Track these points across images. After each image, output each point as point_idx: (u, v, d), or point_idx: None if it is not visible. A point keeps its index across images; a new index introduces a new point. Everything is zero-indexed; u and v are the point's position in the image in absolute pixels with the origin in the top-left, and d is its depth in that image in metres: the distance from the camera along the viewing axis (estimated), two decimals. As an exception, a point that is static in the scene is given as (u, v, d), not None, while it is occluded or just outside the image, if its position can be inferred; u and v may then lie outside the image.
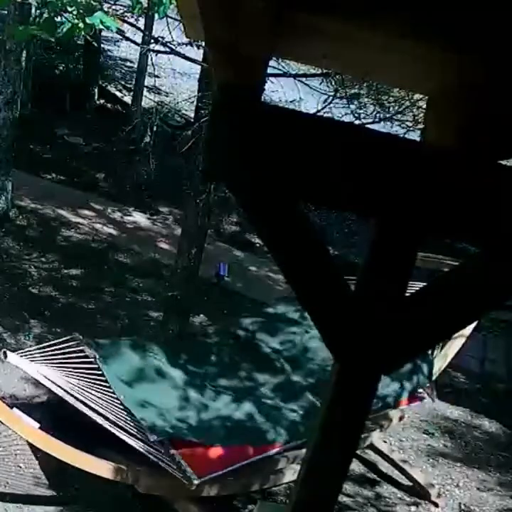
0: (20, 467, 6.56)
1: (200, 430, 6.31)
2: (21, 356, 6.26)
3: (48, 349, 6.38)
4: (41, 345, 6.53)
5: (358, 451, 7.52)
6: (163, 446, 5.93)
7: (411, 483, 7.52)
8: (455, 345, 7.69)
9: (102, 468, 5.97)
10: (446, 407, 8.82)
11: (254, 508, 6.41)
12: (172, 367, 6.82)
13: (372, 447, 7.73)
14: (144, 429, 6.00)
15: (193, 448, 6.08)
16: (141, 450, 5.87)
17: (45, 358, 6.31)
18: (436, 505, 7.40)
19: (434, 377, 7.54)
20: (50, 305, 9.41)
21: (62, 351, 6.34)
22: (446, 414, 8.89)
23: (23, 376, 7.43)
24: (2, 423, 6.03)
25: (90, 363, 6.36)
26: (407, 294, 2.11)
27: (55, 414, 7.14)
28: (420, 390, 7.54)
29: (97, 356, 6.37)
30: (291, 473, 6.64)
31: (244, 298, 10.90)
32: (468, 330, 7.27)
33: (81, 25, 5.94)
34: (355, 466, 7.58)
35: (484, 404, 9.38)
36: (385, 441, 7.90)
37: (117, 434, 5.89)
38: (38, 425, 6.21)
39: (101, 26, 6.02)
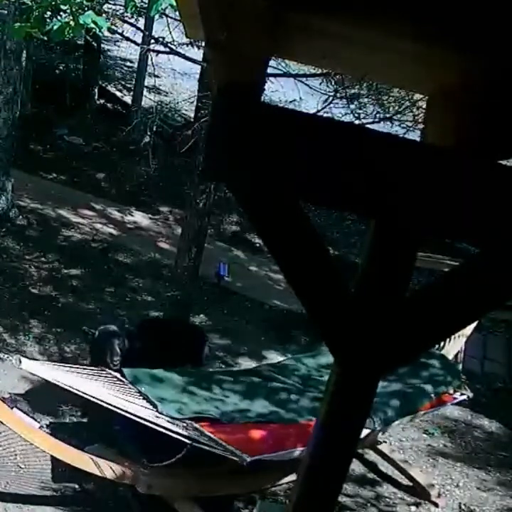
0: (20, 467, 6.56)
1: (227, 414, 6.37)
2: (41, 365, 6.27)
3: (65, 365, 6.42)
4: (60, 364, 6.57)
5: (358, 451, 7.52)
6: (205, 435, 5.90)
7: (411, 483, 7.52)
8: (455, 345, 7.69)
9: (102, 468, 5.96)
10: (446, 406, 8.80)
11: (254, 508, 6.40)
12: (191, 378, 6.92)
13: (372, 447, 7.74)
14: (175, 419, 6.03)
15: (236, 438, 6.04)
16: (180, 436, 5.78)
17: (61, 367, 6.32)
18: (436, 505, 7.39)
19: (461, 377, 7.55)
20: (50, 305, 9.41)
21: (80, 368, 6.38)
22: (446, 414, 8.89)
23: (23, 376, 7.43)
24: (2, 423, 6.03)
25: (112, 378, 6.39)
26: (408, 294, 2.11)
27: (55, 414, 7.15)
28: (451, 391, 7.52)
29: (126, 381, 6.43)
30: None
31: (244, 298, 10.90)
32: (468, 330, 7.27)
33: (72, 23, 5.94)
34: (355, 466, 7.58)
35: (484, 405, 9.37)
36: (385, 441, 7.90)
37: (151, 425, 5.84)
38: (38, 425, 6.21)
39: (93, 26, 6.01)
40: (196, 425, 6.03)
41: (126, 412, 5.82)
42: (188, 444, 5.68)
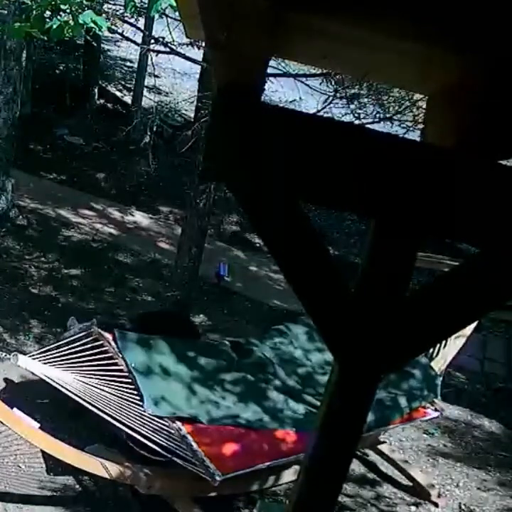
0: (20, 467, 6.56)
1: (213, 415, 6.36)
2: (34, 359, 6.25)
3: (60, 349, 6.37)
4: (54, 345, 6.53)
5: (358, 451, 7.52)
6: (184, 443, 5.91)
7: (411, 483, 7.52)
8: (455, 345, 7.69)
9: (102, 468, 5.96)
10: (446, 406, 8.81)
11: (254, 508, 6.41)
12: (183, 364, 6.85)
13: (372, 447, 7.74)
14: (160, 418, 6.02)
15: (215, 446, 6.06)
16: (159, 449, 5.82)
17: (57, 358, 6.30)
18: (436, 505, 7.39)
19: (439, 392, 7.53)
20: (50, 305, 9.41)
21: (76, 349, 6.33)
22: (446, 414, 8.88)
23: (23, 376, 7.43)
24: (2, 423, 6.03)
25: (106, 357, 6.35)
26: (408, 294, 2.11)
27: (55, 414, 7.15)
28: (427, 405, 7.50)
29: (117, 350, 6.37)
30: (291, 473, 6.64)
31: (244, 298, 10.90)
32: (468, 330, 7.27)
33: (71, 22, 5.95)
34: (355, 466, 7.58)
35: (484, 405, 9.37)
36: (385, 442, 7.90)
37: (133, 434, 5.86)
38: (38, 425, 6.20)
39: (92, 25, 6.01)
40: (179, 426, 6.04)
41: (115, 419, 5.85)
42: (168, 458, 5.80)
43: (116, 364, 6.31)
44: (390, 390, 7.18)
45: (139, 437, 5.83)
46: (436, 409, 7.55)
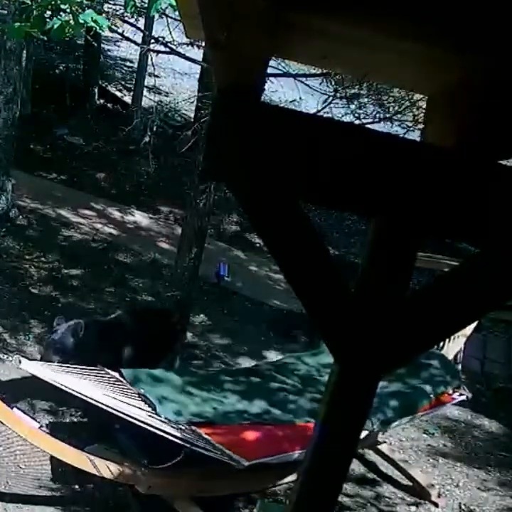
0: (20, 467, 6.55)
1: (225, 416, 6.36)
2: (41, 366, 6.25)
3: (66, 366, 6.39)
4: (58, 364, 6.55)
5: (358, 451, 7.52)
6: (202, 439, 5.88)
7: (411, 483, 7.52)
8: (455, 345, 7.69)
9: (101, 468, 5.96)
10: (446, 406, 8.81)
11: (254, 508, 6.40)
12: (187, 375, 6.92)
13: (372, 447, 7.74)
14: (169, 420, 6.02)
15: (233, 440, 6.03)
16: (177, 440, 5.77)
17: (59, 366, 6.30)
18: (436, 505, 7.39)
19: (461, 377, 7.55)
20: (50, 305, 9.40)
21: (78, 369, 6.34)
22: (446, 414, 8.89)
23: (24, 376, 7.42)
24: (2, 423, 6.03)
25: (111, 380, 6.36)
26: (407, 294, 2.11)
27: (55, 414, 7.15)
28: (450, 391, 7.50)
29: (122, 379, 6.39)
30: (291, 474, 6.64)
31: (244, 298, 10.90)
32: (468, 330, 7.27)
33: (72, 22, 5.95)
34: (355, 466, 7.58)
35: (484, 404, 9.37)
36: (385, 442, 7.90)
37: (149, 428, 5.83)
38: (38, 425, 6.21)
39: (92, 24, 6.01)
40: (194, 428, 6.02)
41: (123, 414, 5.82)
42: (186, 448, 5.72)
43: (122, 384, 6.32)
44: (411, 379, 7.21)
45: (155, 431, 5.77)
46: (461, 394, 7.52)
